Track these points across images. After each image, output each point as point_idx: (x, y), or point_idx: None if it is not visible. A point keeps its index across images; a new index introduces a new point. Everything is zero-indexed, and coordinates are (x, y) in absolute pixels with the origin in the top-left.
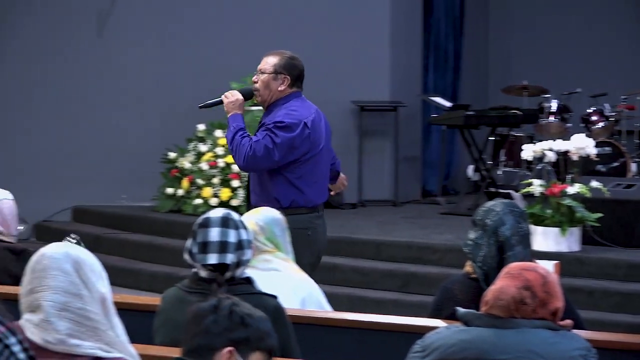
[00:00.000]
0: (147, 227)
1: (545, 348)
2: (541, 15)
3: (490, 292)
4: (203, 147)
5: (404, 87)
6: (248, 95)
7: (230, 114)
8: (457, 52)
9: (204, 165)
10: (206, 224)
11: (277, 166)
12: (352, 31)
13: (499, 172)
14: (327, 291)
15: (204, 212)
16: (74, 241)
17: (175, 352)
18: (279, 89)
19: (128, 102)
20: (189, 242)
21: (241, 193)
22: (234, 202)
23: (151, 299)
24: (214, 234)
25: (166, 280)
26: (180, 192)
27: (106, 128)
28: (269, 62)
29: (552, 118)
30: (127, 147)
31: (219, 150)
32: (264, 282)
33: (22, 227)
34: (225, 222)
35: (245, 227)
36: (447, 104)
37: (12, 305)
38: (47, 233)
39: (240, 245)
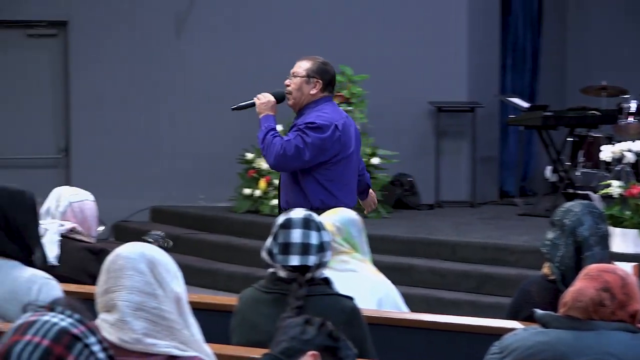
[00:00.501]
0: (224, 228)
1: (624, 350)
2: (620, 14)
3: (569, 294)
4: None
5: (482, 88)
6: (280, 97)
7: (262, 115)
8: (535, 52)
9: None
10: (288, 224)
11: (308, 166)
12: (429, 31)
13: (577, 173)
14: (404, 292)
15: (280, 212)
16: (156, 239)
17: (252, 352)
18: (311, 92)
19: (206, 102)
20: (269, 242)
21: None
22: None
23: (228, 299)
24: (296, 235)
25: (243, 281)
26: (257, 192)
27: (184, 129)
28: (302, 66)
29: (631, 119)
30: (205, 148)
31: None
32: (341, 282)
33: (101, 229)
34: (307, 224)
35: (325, 229)
36: (525, 104)
37: (91, 305)
38: (125, 233)
39: (321, 247)
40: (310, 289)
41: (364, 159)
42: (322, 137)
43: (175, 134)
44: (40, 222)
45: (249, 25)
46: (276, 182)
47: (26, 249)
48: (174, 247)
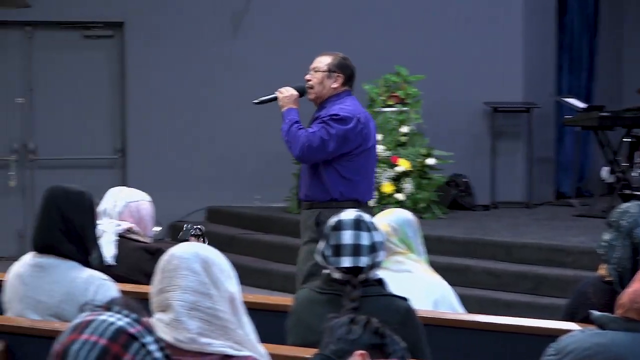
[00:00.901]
0: (280, 228)
1: None
2: None
3: (626, 295)
4: None
5: (538, 88)
6: (301, 91)
7: (285, 109)
8: (591, 52)
9: None
10: (339, 226)
11: (331, 157)
12: (485, 32)
13: (634, 174)
14: (459, 293)
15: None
16: (195, 231)
17: (306, 352)
18: (333, 86)
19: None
20: (321, 245)
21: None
22: None
23: (283, 299)
24: (347, 236)
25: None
26: None
27: (240, 129)
28: (323, 61)
29: None
30: (261, 149)
31: None
32: (396, 283)
33: (157, 229)
34: (357, 225)
35: (377, 229)
36: (582, 105)
37: (147, 305)
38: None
39: (373, 248)
40: (364, 290)
41: (419, 160)
42: (345, 129)
43: (231, 134)
44: (98, 222)
45: (304, 26)
46: None
47: (84, 250)
48: (229, 247)
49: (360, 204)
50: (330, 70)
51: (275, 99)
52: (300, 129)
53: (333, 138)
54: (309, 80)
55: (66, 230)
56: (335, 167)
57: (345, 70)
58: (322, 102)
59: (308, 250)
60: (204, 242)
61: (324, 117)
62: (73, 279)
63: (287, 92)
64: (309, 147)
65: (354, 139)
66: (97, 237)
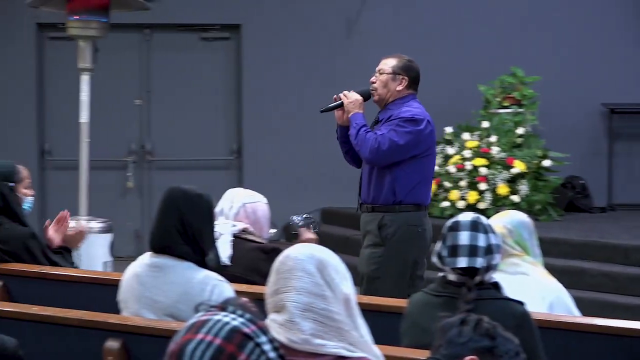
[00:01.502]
0: None
1: None
2: None
3: None
4: (450, 150)
5: None
6: (366, 95)
7: (351, 114)
8: None
9: (452, 168)
10: (456, 227)
11: (401, 159)
12: (601, 32)
13: None
14: (575, 295)
15: (451, 215)
16: (303, 221)
17: (420, 354)
18: (397, 89)
19: (375, 105)
20: (438, 246)
21: (488, 196)
22: (481, 205)
23: (398, 301)
24: (464, 237)
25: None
26: None
27: None
28: (388, 63)
29: None
30: None
31: (467, 153)
32: (512, 286)
33: (273, 231)
34: (474, 226)
35: (494, 232)
36: None
37: (262, 305)
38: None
39: (489, 250)
40: (479, 293)
41: (534, 161)
42: (416, 131)
43: None
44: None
45: (419, 26)
46: (447, 184)
47: (200, 251)
48: (344, 249)
49: (421, 208)
50: (395, 73)
51: (341, 104)
52: (368, 132)
53: (404, 139)
54: (373, 83)
55: (183, 232)
56: (404, 170)
57: (410, 73)
58: (386, 104)
59: (370, 254)
60: (314, 229)
61: (393, 119)
62: (189, 279)
63: (352, 97)
64: (377, 150)
65: (424, 141)
66: (214, 239)
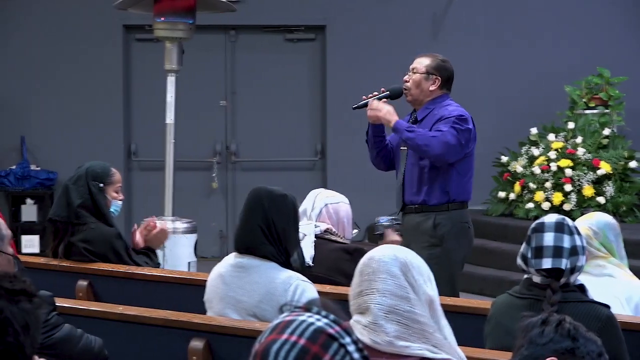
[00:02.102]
0: (478, 231)
1: None
2: None
3: None
4: (535, 151)
5: None
6: (398, 93)
7: (393, 122)
8: None
9: (537, 169)
10: (541, 228)
11: (459, 157)
12: None
13: None
14: None
15: (535, 217)
16: (389, 222)
17: (505, 356)
18: (430, 89)
19: (462, 104)
20: (523, 247)
21: (573, 198)
22: (566, 207)
23: (482, 302)
24: (549, 238)
25: (497, 284)
26: (512, 195)
27: None
28: (422, 62)
29: None
30: None
31: (552, 154)
32: (597, 288)
33: (355, 232)
34: (559, 227)
35: (579, 233)
36: None
37: (345, 306)
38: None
39: (574, 251)
40: (564, 295)
41: (620, 163)
42: (470, 128)
43: None
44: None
45: (505, 26)
46: (532, 185)
47: (284, 252)
48: None
49: (466, 205)
50: (429, 73)
51: (366, 105)
52: (428, 132)
53: (464, 138)
54: (406, 82)
55: (268, 232)
56: (456, 169)
57: (443, 73)
58: (422, 104)
59: (428, 256)
60: (398, 231)
61: (447, 118)
62: (273, 279)
63: (382, 108)
64: (447, 146)
65: (474, 138)
66: (298, 239)
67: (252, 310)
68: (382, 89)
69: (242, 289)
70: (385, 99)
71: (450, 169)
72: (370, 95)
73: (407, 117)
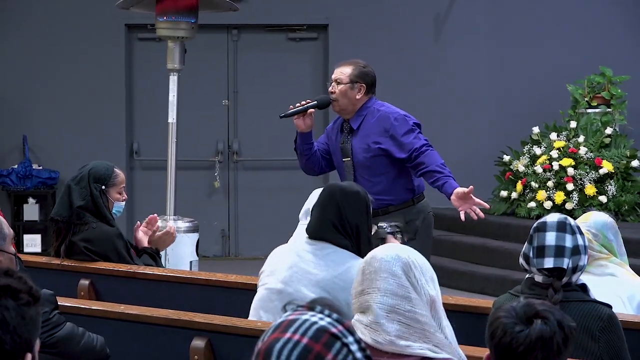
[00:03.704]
0: (480, 230)
1: None
2: None
3: None
4: (537, 150)
5: None
6: (325, 104)
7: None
8: None
9: (539, 169)
10: (542, 228)
11: None
12: None
13: None
14: None
15: (537, 216)
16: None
17: None
18: (357, 97)
19: (463, 105)
20: (525, 246)
21: (576, 197)
22: (568, 206)
23: (483, 302)
24: (550, 238)
25: (499, 283)
26: (514, 195)
27: (441, 131)
28: (344, 72)
29: None
30: (463, 150)
31: (554, 154)
32: (599, 287)
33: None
34: (561, 227)
35: (581, 233)
36: None
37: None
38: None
39: (576, 251)
40: (566, 295)
41: (622, 162)
42: (416, 123)
43: (432, 136)
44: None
45: (508, 28)
46: (534, 184)
47: (357, 247)
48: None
49: (424, 195)
50: (353, 82)
51: (303, 110)
52: (426, 151)
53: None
54: (332, 93)
55: (341, 228)
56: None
57: (366, 79)
58: (353, 112)
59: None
60: (402, 238)
61: (398, 126)
62: (351, 262)
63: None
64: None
65: None
66: (370, 237)
67: (324, 283)
68: (308, 99)
69: (316, 263)
70: (312, 109)
71: (406, 168)
72: (298, 104)
73: (332, 126)
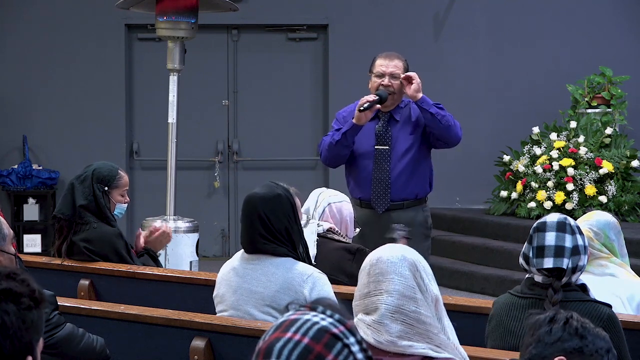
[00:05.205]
0: (480, 230)
1: None
2: None
3: None
4: (538, 150)
5: None
6: (385, 99)
7: (420, 96)
8: None
9: (539, 169)
10: (542, 228)
11: None
12: None
13: None
14: None
15: (537, 216)
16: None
17: (506, 355)
18: (403, 90)
19: (462, 105)
20: (525, 246)
21: (576, 197)
22: (568, 206)
23: (483, 302)
24: (550, 238)
25: (499, 283)
26: (514, 195)
27: None
28: (399, 66)
29: None
30: (462, 150)
31: (554, 154)
32: (599, 287)
33: (357, 231)
34: (561, 227)
35: (581, 233)
36: None
37: (348, 305)
38: None
39: (576, 251)
40: (566, 295)
41: (622, 162)
42: None
43: None
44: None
45: (507, 27)
46: (534, 184)
47: (293, 247)
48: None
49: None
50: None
51: (379, 101)
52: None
53: None
54: (388, 86)
55: (272, 237)
56: (431, 158)
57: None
58: (395, 105)
59: (427, 248)
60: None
61: (438, 106)
62: (290, 270)
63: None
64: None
65: None
66: (302, 233)
67: (268, 301)
68: (372, 95)
69: (257, 280)
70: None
71: (429, 159)
72: (371, 98)
73: (347, 112)
